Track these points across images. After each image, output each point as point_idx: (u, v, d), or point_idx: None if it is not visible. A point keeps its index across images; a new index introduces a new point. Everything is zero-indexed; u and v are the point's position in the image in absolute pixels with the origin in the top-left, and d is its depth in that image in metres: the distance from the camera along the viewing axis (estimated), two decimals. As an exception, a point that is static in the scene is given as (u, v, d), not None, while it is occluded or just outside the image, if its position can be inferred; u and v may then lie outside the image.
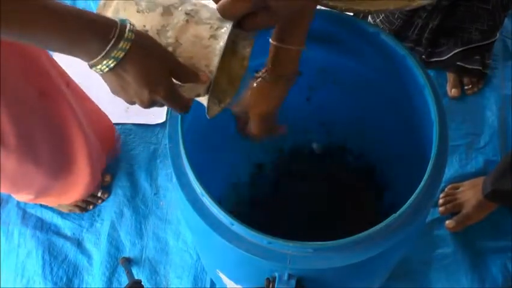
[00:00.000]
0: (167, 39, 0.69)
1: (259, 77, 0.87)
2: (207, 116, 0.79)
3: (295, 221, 1.35)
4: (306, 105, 1.25)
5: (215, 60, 0.70)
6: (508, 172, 1.29)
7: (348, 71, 1.09)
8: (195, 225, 0.89)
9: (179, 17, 0.69)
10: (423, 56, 1.50)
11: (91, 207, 1.50)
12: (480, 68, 1.56)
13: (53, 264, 1.45)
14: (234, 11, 0.70)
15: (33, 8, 0.59)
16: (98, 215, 1.50)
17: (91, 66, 0.65)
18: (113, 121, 1.59)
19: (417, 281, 1.39)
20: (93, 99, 1.49)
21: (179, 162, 0.88)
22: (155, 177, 1.54)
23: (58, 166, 1.31)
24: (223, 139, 1.24)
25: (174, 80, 0.71)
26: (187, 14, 0.69)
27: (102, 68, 0.65)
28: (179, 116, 0.89)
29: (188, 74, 0.70)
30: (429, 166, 0.84)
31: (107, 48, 0.63)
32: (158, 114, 1.60)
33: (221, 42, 0.69)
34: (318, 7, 1.16)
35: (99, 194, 1.51)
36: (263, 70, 0.87)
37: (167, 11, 0.69)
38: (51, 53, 1.69)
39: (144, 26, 0.68)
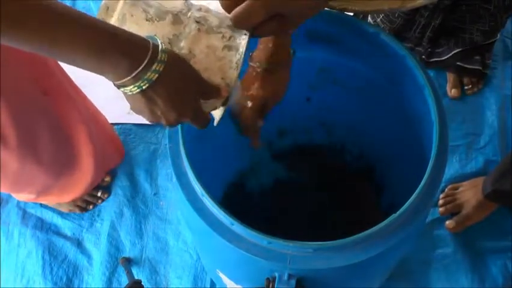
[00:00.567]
0: (180, 49, 0.67)
1: (256, 68, 0.86)
2: (215, 124, 0.77)
3: (295, 221, 1.35)
4: (306, 105, 1.25)
5: (231, 73, 0.68)
6: (508, 172, 1.29)
7: (348, 71, 1.09)
8: (195, 225, 0.89)
9: (190, 25, 0.68)
10: (423, 56, 1.51)
11: (91, 207, 1.50)
12: (480, 68, 1.56)
13: (53, 264, 1.45)
14: (248, 21, 0.67)
15: (64, 24, 0.57)
16: (98, 215, 1.50)
17: (119, 87, 0.63)
18: (113, 121, 1.59)
19: (417, 281, 1.39)
20: (93, 99, 1.49)
21: (179, 162, 0.88)
22: (155, 177, 1.54)
23: (61, 165, 1.31)
24: (223, 139, 1.24)
25: None
26: (197, 22, 0.68)
27: (132, 89, 0.62)
28: (179, 116, 0.88)
29: (213, 91, 0.69)
30: (429, 166, 0.84)
31: (139, 69, 0.61)
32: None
33: (237, 55, 0.68)
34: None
35: (99, 194, 1.51)
36: (255, 60, 0.87)
37: (177, 19, 0.67)
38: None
39: (155, 35, 0.66)
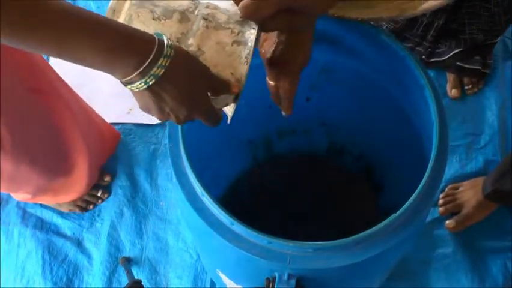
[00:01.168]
0: (188, 47, 0.67)
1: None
2: (228, 122, 0.76)
3: (295, 220, 1.35)
4: (306, 105, 1.25)
5: (241, 68, 0.68)
6: (508, 172, 1.29)
7: (349, 71, 1.09)
8: (195, 225, 0.89)
9: (197, 23, 0.67)
10: (423, 57, 1.51)
11: (91, 207, 1.50)
12: (480, 68, 1.56)
13: (53, 264, 1.45)
14: (258, 13, 0.66)
15: (73, 23, 0.56)
16: (98, 215, 1.50)
17: (126, 84, 0.63)
18: (113, 121, 1.59)
19: (417, 281, 1.39)
20: (93, 99, 1.49)
21: (179, 162, 0.88)
22: (155, 177, 1.54)
23: (55, 165, 1.31)
24: (223, 139, 1.24)
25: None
26: (204, 19, 0.67)
27: (139, 85, 0.62)
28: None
29: (223, 86, 0.68)
30: (429, 166, 0.84)
31: (145, 64, 0.60)
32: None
33: (246, 50, 0.67)
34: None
35: (99, 194, 1.51)
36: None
37: (184, 17, 0.67)
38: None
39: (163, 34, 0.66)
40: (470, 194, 1.42)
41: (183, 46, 0.67)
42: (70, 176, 1.37)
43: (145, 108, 0.68)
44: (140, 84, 0.62)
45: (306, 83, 1.19)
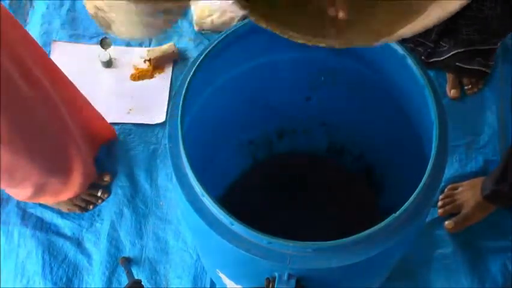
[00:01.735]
0: None
1: None
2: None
3: (295, 220, 1.35)
4: (306, 105, 1.25)
5: None
6: (507, 173, 1.29)
7: (348, 71, 1.09)
8: (195, 225, 0.89)
9: None
10: (423, 57, 1.51)
11: (91, 207, 1.50)
12: (480, 68, 1.56)
13: (53, 264, 1.45)
14: None
15: None
16: (98, 215, 1.50)
17: None
18: (113, 121, 1.59)
19: (417, 281, 1.39)
20: (93, 99, 1.49)
21: (179, 162, 0.88)
22: (155, 177, 1.54)
23: (53, 159, 1.32)
24: (223, 139, 1.24)
25: None
26: None
27: None
28: (179, 116, 0.88)
29: None
30: (429, 166, 0.84)
31: None
32: (158, 114, 1.60)
33: None
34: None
35: (99, 194, 1.51)
36: None
37: None
38: (52, 51, 1.69)
39: None
40: (469, 194, 1.41)
41: None
42: (68, 171, 1.37)
43: None
44: None
45: (306, 83, 1.19)
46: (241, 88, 1.12)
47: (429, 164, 0.84)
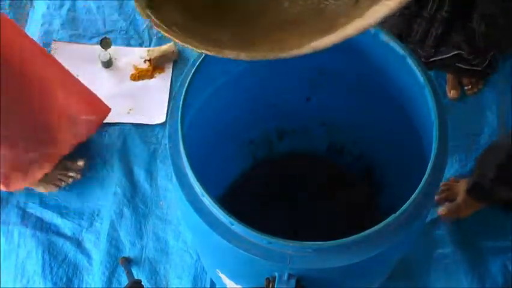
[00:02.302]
0: None
1: None
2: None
3: (295, 220, 1.35)
4: (306, 105, 1.25)
5: None
6: (486, 169, 1.29)
7: (348, 71, 1.09)
8: (195, 225, 0.89)
9: None
10: (423, 58, 1.51)
11: (63, 183, 1.52)
12: (479, 68, 1.56)
13: (52, 264, 1.45)
14: None
15: None
16: (98, 215, 1.50)
17: None
18: (113, 121, 1.59)
19: (417, 281, 1.39)
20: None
21: (179, 162, 0.88)
22: (155, 177, 1.54)
23: (35, 137, 1.34)
24: (223, 139, 1.24)
25: None
26: None
27: None
28: (179, 116, 0.88)
29: None
30: (429, 166, 0.84)
31: None
32: (158, 114, 1.60)
33: None
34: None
35: (72, 174, 1.52)
36: None
37: None
38: (52, 51, 1.69)
39: None
40: (463, 185, 1.42)
41: None
42: (49, 145, 1.39)
43: None
44: None
45: (306, 83, 1.19)
46: (241, 88, 1.11)
47: (429, 164, 0.84)
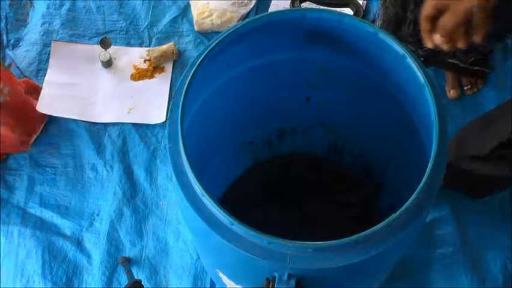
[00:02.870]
0: None
1: None
2: None
3: (294, 221, 1.35)
4: (306, 105, 1.25)
5: None
6: (461, 149, 1.28)
7: (348, 70, 1.09)
8: (195, 225, 0.89)
9: None
10: (422, 58, 1.51)
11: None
12: (479, 68, 1.56)
13: (52, 264, 1.45)
14: None
15: None
16: (98, 215, 1.50)
17: None
18: (113, 121, 1.59)
19: (417, 281, 1.39)
20: (93, 99, 1.49)
21: (179, 162, 0.88)
22: (155, 177, 1.54)
23: None
24: (223, 139, 1.24)
25: None
26: None
27: None
28: (179, 116, 0.88)
29: None
30: (429, 166, 0.84)
31: None
32: (158, 114, 1.60)
33: None
34: (317, 6, 1.16)
35: None
36: None
37: None
38: (52, 50, 1.69)
39: None
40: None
41: None
42: None
43: None
44: None
45: (305, 83, 1.19)
46: (241, 88, 1.12)
47: (429, 164, 0.84)
